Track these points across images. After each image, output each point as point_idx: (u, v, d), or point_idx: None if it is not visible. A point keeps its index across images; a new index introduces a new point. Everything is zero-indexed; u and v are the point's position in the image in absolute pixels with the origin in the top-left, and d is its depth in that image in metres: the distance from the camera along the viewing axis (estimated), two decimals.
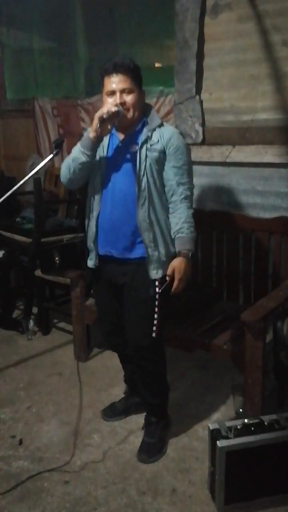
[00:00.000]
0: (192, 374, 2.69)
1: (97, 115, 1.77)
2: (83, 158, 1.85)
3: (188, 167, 1.91)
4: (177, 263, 1.88)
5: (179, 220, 1.89)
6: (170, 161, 1.86)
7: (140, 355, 2.01)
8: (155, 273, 1.90)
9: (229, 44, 2.65)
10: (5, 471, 1.99)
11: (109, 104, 1.80)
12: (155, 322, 1.93)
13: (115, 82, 1.80)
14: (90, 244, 2.00)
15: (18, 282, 3.49)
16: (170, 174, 1.87)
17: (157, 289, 1.91)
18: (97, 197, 1.92)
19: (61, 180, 2.01)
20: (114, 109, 1.77)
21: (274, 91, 2.54)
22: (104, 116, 1.75)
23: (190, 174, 1.93)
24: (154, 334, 1.93)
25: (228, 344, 2.19)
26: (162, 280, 1.91)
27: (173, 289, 1.88)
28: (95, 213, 1.93)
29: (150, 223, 1.86)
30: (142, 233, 1.86)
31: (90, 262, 2.03)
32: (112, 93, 1.82)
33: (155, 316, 1.93)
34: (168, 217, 1.93)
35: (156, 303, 1.92)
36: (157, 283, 1.92)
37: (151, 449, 2.07)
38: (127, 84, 1.81)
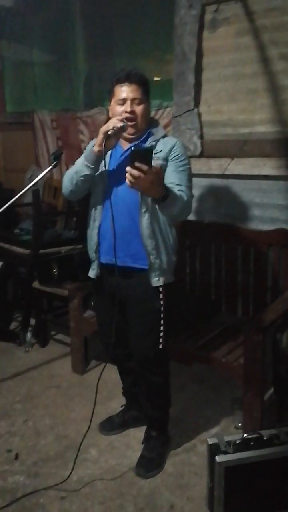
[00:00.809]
0: (191, 388, 2.66)
1: (102, 130, 1.78)
2: (87, 171, 1.86)
3: (187, 174, 1.89)
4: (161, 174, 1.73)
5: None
6: (171, 166, 1.88)
7: (145, 367, 2.01)
8: (156, 281, 1.90)
9: (227, 58, 2.67)
10: (1, 486, 1.96)
11: (115, 120, 1.81)
12: (161, 333, 1.94)
13: (127, 91, 1.83)
14: (92, 254, 2.00)
15: (16, 293, 3.47)
16: (169, 178, 1.86)
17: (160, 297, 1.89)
18: (99, 207, 1.93)
19: (63, 191, 2.01)
20: (119, 124, 1.78)
21: (272, 104, 2.55)
22: (110, 132, 1.76)
23: (189, 181, 1.90)
24: (161, 346, 1.94)
25: (227, 357, 2.18)
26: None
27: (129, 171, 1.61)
28: (97, 223, 1.94)
29: (153, 231, 1.86)
30: (144, 241, 1.86)
31: (92, 272, 2.03)
32: (123, 101, 1.84)
33: (161, 327, 1.94)
34: (170, 226, 1.93)
35: (162, 315, 1.93)
36: (161, 293, 1.92)
37: (150, 464, 2.04)
38: (138, 94, 1.84)
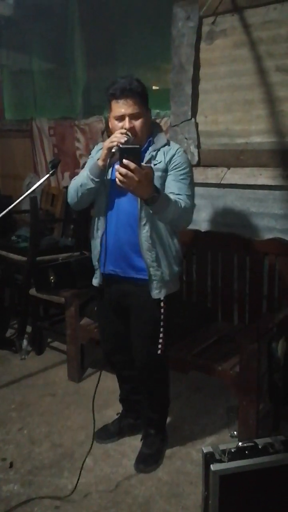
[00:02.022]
0: (187, 396, 2.66)
1: (106, 145, 1.78)
2: (92, 184, 1.88)
3: (187, 183, 1.88)
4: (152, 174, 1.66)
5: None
6: (171, 175, 1.88)
7: (145, 373, 2.04)
8: (157, 293, 1.92)
9: (224, 69, 2.71)
10: None
11: (119, 134, 1.78)
12: (160, 341, 1.96)
13: (123, 107, 1.82)
14: (95, 262, 2.04)
15: (12, 300, 3.47)
16: (169, 187, 1.87)
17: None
18: (102, 217, 1.94)
19: (69, 202, 2.04)
20: (123, 139, 1.76)
21: (268, 115, 2.59)
22: (113, 150, 1.74)
23: (189, 190, 1.89)
24: (159, 352, 1.97)
25: (222, 365, 2.18)
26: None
27: (119, 170, 1.60)
28: (99, 232, 1.95)
29: (152, 243, 1.87)
30: (144, 253, 1.87)
31: (95, 281, 2.06)
32: (121, 117, 1.84)
33: (160, 335, 1.96)
34: (172, 237, 1.94)
35: (162, 323, 1.95)
36: (162, 304, 1.93)
37: (148, 459, 2.10)
38: (135, 109, 1.82)
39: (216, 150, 2.82)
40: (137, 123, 1.85)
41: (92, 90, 3.94)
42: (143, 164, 1.66)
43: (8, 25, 4.34)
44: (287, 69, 2.48)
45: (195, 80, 2.82)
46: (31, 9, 4.01)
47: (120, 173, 1.58)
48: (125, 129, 1.82)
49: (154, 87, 3.52)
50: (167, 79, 3.09)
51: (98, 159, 1.85)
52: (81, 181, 1.91)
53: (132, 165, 1.57)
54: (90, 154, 2.11)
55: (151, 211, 1.77)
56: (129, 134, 1.80)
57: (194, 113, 2.86)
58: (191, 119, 2.86)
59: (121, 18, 3.57)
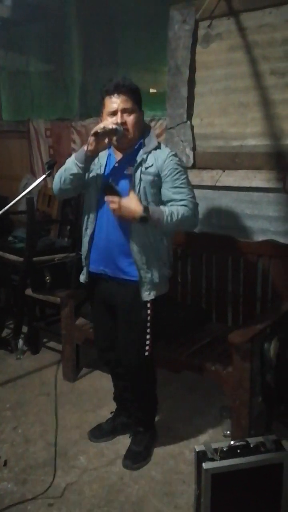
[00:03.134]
0: (180, 395, 2.68)
1: (93, 130, 1.80)
2: (75, 169, 1.89)
3: (186, 185, 1.90)
4: (135, 198, 1.79)
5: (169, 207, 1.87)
6: (167, 183, 1.88)
7: (131, 373, 2.05)
8: (147, 295, 1.93)
9: (219, 72, 2.73)
10: None
11: (108, 121, 1.82)
12: (148, 342, 1.98)
13: (116, 102, 1.83)
14: (83, 259, 2.05)
15: (8, 301, 3.48)
16: (169, 195, 1.88)
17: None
18: (92, 216, 1.96)
19: (53, 189, 2.04)
20: (111, 126, 1.78)
21: (263, 118, 2.61)
22: (99, 130, 1.77)
23: (190, 191, 1.91)
24: (147, 353, 1.98)
25: (216, 366, 2.20)
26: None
27: (110, 200, 1.79)
28: (89, 231, 1.97)
29: (143, 245, 1.89)
30: (134, 255, 1.89)
31: (82, 277, 2.09)
32: (114, 113, 1.85)
33: (147, 336, 1.97)
34: (163, 240, 1.96)
35: (148, 324, 1.96)
36: (149, 304, 1.94)
37: (137, 456, 2.11)
38: (128, 105, 1.84)
39: (211, 152, 2.84)
40: (130, 118, 1.85)
41: (89, 92, 3.95)
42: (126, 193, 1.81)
43: (5, 26, 4.36)
44: (282, 73, 2.51)
45: (191, 83, 2.84)
46: (29, 10, 4.03)
47: (111, 208, 1.79)
48: (117, 123, 1.83)
49: (151, 90, 3.54)
50: (164, 81, 3.11)
51: (85, 145, 1.86)
52: (65, 166, 1.93)
53: (115, 198, 1.78)
54: None
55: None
56: (121, 126, 1.81)
57: (189, 116, 2.88)
58: (186, 121, 2.88)
59: (118, 20, 3.59)
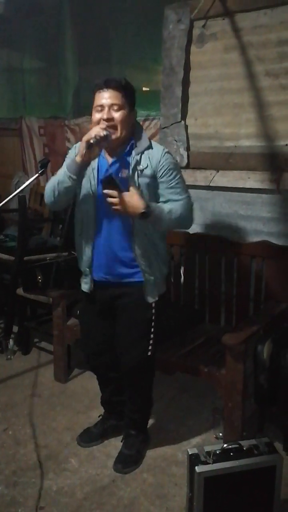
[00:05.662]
0: (173, 397, 2.67)
1: (84, 139, 1.74)
2: (69, 183, 1.82)
3: (180, 183, 1.90)
4: (136, 193, 1.75)
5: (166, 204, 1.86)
6: (163, 183, 1.87)
7: (132, 374, 2.03)
8: (152, 297, 1.94)
9: (214, 73, 2.72)
10: None
11: (97, 128, 1.75)
12: (151, 341, 1.97)
13: (105, 97, 1.78)
14: (85, 268, 1.99)
15: None
16: (165, 195, 1.87)
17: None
18: (91, 223, 1.90)
19: (46, 201, 1.97)
20: (102, 133, 1.73)
21: (257, 119, 2.61)
22: (92, 141, 1.71)
23: (184, 190, 1.91)
24: (149, 353, 1.98)
25: (209, 367, 2.19)
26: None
27: (112, 200, 1.74)
28: (90, 239, 1.92)
29: (146, 250, 1.88)
30: (139, 260, 1.88)
31: (86, 287, 2.02)
32: (101, 107, 1.79)
33: (151, 336, 1.97)
34: (161, 240, 1.96)
35: (152, 323, 1.96)
36: (153, 304, 1.95)
37: (128, 460, 2.09)
38: (117, 100, 1.78)
39: (205, 152, 2.83)
40: (117, 114, 1.79)
41: (83, 90, 3.92)
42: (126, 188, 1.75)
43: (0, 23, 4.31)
44: (276, 74, 2.51)
45: (185, 83, 2.83)
46: (23, 7, 3.99)
47: (108, 201, 1.73)
48: (104, 119, 1.77)
49: (144, 89, 3.52)
50: (158, 81, 3.10)
51: (76, 155, 1.80)
52: (58, 178, 1.85)
53: (114, 192, 1.71)
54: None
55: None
56: (109, 131, 1.76)
57: (184, 116, 2.87)
58: (181, 121, 2.87)
59: (113, 18, 3.57)
